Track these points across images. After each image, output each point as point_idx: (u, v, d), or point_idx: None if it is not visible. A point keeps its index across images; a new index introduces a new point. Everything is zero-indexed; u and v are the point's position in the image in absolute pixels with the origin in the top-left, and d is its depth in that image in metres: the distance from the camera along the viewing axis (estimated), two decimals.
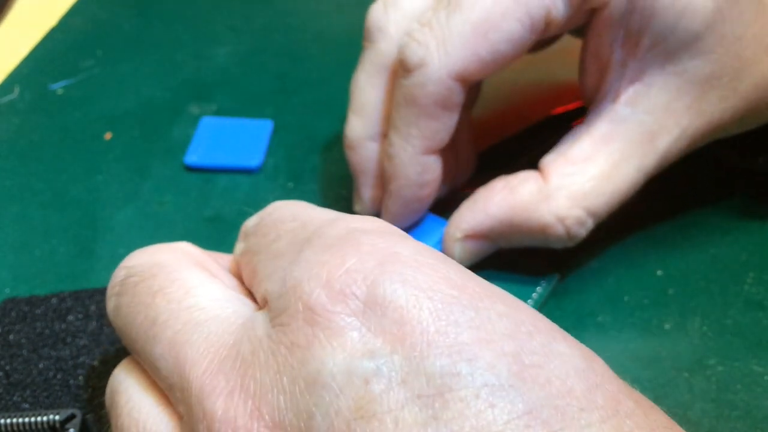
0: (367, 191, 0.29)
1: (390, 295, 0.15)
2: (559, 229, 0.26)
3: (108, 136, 0.36)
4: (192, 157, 0.34)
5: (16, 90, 0.39)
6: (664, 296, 0.27)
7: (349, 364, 0.15)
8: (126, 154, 0.35)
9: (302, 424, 0.15)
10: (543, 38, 0.26)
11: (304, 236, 0.18)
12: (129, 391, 0.19)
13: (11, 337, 0.26)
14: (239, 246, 0.21)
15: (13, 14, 0.46)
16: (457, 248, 0.27)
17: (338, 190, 0.33)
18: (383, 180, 0.28)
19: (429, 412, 0.14)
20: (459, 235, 0.27)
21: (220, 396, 0.16)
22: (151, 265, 0.20)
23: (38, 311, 0.27)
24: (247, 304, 0.19)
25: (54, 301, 0.27)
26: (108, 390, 0.20)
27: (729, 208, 0.31)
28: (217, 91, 0.39)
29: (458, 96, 0.25)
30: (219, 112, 0.38)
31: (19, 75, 0.41)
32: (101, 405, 0.23)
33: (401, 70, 0.26)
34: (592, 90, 0.27)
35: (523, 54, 0.26)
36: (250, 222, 0.21)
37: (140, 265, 0.20)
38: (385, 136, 0.28)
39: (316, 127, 0.36)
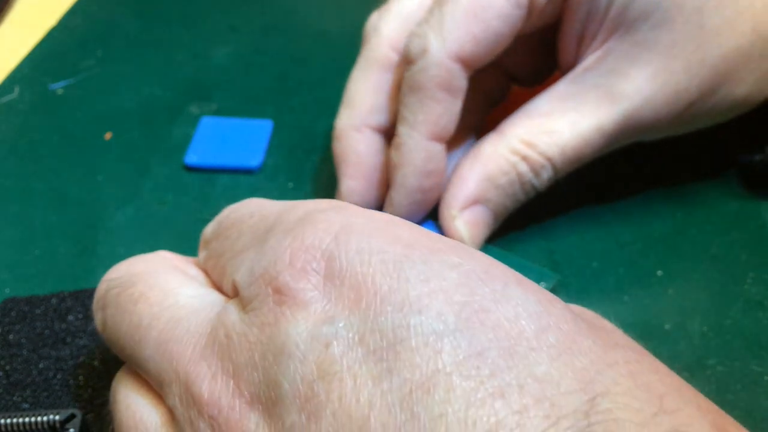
0: (345, 181, 0.29)
1: (346, 264, 0.16)
2: (524, 167, 0.27)
3: (108, 136, 0.36)
4: (192, 157, 0.34)
5: (16, 90, 0.39)
6: (664, 296, 0.27)
7: (311, 331, 0.15)
8: (126, 154, 0.35)
9: (272, 394, 0.15)
10: (530, 25, 0.27)
11: (265, 227, 0.19)
12: (124, 392, 0.20)
13: (11, 337, 0.26)
14: (201, 254, 0.22)
15: (13, 14, 0.46)
16: (459, 226, 0.28)
17: None
18: (387, 172, 0.28)
19: (384, 365, 0.14)
20: (454, 212, 0.28)
21: (204, 381, 0.17)
22: (131, 275, 0.21)
23: (38, 311, 0.27)
24: (220, 297, 0.20)
25: (54, 301, 0.27)
26: (110, 395, 0.21)
27: (729, 208, 0.31)
28: (217, 91, 0.39)
29: (460, 79, 0.27)
30: (219, 112, 0.38)
31: (19, 75, 0.41)
32: (101, 405, 0.23)
33: (405, 64, 0.27)
34: (568, 67, 0.29)
35: (516, 32, 0.27)
36: (208, 229, 0.22)
37: (119, 277, 0.21)
38: (371, 128, 0.29)
39: (316, 127, 0.37)
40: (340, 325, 0.15)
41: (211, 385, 0.16)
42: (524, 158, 0.27)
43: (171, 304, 0.19)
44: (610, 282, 0.28)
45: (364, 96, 0.29)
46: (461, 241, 0.28)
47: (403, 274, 0.15)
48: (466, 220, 0.28)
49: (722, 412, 0.15)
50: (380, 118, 0.29)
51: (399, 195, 0.28)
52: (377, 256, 0.16)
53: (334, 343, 0.15)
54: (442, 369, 0.14)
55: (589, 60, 0.27)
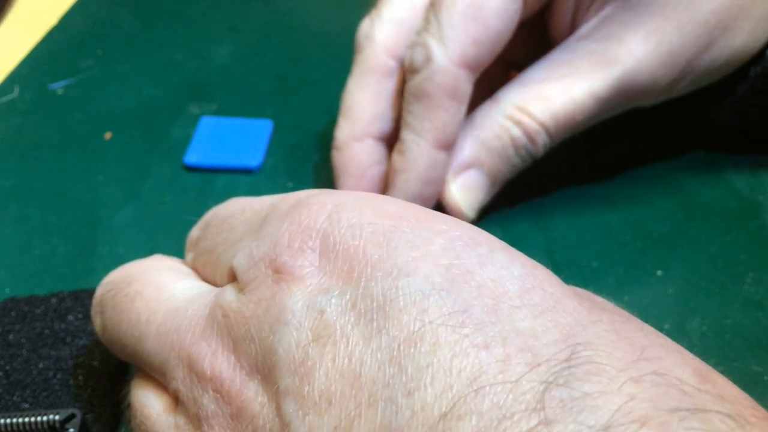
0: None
1: (339, 240, 0.17)
2: (517, 132, 0.27)
3: (108, 136, 0.36)
4: (192, 157, 0.34)
5: (16, 90, 0.39)
6: (664, 296, 0.27)
7: (307, 301, 0.16)
8: (126, 154, 0.35)
9: (268, 362, 0.16)
10: (524, 14, 0.27)
11: (258, 219, 0.19)
12: (134, 392, 0.20)
13: (11, 337, 0.26)
14: (189, 256, 0.22)
15: (13, 14, 0.47)
16: (454, 190, 0.28)
17: None
18: (387, 178, 0.28)
19: (374, 325, 0.15)
20: (449, 177, 0.28)
21: (205, 358, 0.17)
22: (125, 277, 0.21)
23: (38, 311, 0.27)
24: (215, 288, 0.20)
25: (54, 301, 0.27)
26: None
27: (729, 208, 0.31)
28: (217, 91, 0.39)
29: (466, 85, 0.27)
30: (219, 112, 0.38)
31: (19, 75, 0.41)
32: (101, 405, 0.23)
33: (408, 73, 0.27)
34: (561, 35, 0.29)
35: (515, 27, 0.27)
36: (194, 231, 0.23)
37: (114, 281, 0.22)
38: (373, 137, 0.29)
39: (316, 127, 0.37)
40: (335, 293, 0.16)
41: (212, 361, 0.17)
42: (517, 123, 0.27)
43: (167, 298, 0.20)
44: (610, 282, 0.28)
45: (363, 105, 0.29)
46: (456, 205, 0.28)
47: (392, 243, 0.16)
48: (461, 184, 0.28)
49: (705, 364, 0.15)
50: (381, 127, 0.29)
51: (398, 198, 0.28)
52: (368, 228, 0.16)
53: (328, 310, 0.16)
54: (428, 324, 0.14)
55: (584, 28, 0.28)
